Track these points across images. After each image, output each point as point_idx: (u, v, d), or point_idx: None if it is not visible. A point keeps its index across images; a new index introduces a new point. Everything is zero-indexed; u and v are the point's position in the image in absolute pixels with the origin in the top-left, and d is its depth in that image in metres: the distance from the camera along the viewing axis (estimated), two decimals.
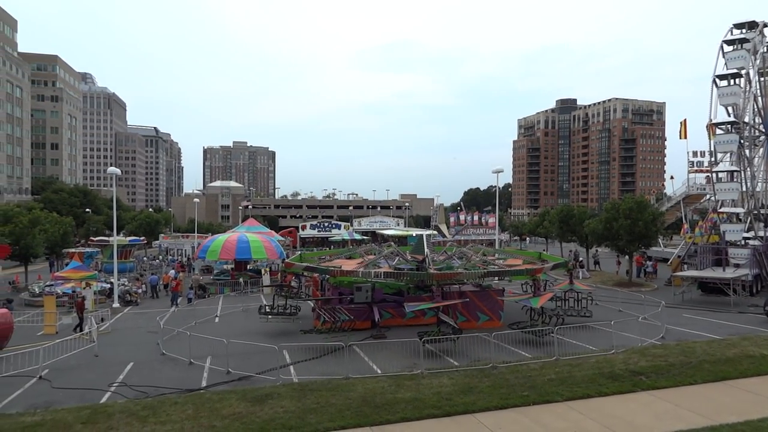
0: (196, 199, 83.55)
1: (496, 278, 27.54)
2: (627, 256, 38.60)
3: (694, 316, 26.22)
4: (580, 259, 45.38)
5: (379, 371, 16.90)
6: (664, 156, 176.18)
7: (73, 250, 46.44)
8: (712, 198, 39.27)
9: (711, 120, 35.45)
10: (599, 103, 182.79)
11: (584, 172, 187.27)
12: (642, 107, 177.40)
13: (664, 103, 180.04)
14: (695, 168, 47.70)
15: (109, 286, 34.66)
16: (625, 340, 19.77)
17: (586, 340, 20.39)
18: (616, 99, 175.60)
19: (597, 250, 50.13)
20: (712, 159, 36.61)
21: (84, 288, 30.83)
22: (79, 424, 12.61)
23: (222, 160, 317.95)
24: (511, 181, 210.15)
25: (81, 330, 23.65)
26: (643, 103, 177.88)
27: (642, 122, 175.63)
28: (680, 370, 16.07)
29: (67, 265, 41.51)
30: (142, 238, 58.39)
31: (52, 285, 34.63)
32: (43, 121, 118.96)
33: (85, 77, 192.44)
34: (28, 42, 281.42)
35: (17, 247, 38.80)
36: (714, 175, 35.98)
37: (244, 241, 39.07)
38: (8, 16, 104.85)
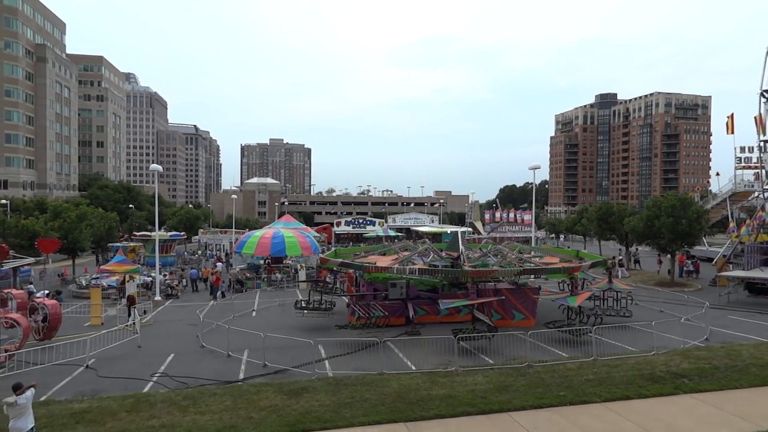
0: (234, 196, 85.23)
1: (532, 276, 27.18)
2: (669, 255, 37.50)
3: (741, 317, 25.27)
4: (620, 257, 44.32)
5: (413, 368, 16.94)
6: (710, 152, 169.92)
7: (118, 244, 48.04)
8: (761, 195, 37.77)
9: (762, 89, 34.77)
10: (641, 97, 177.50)
11: (624, 168, 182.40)
12: (686, 101, 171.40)
13: (710, 96, 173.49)
14: (743, 164, 45.83)
15: (150, 279, 35.71)
16: (666, 342, 19.25)
17: (626, 341, 19.93)
18: (659, 93, 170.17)
19: (637, 249, 48.88)
20: (761, 136, 35.43)
21: (127, 281, 31.86)
22: (123, 412, 13.09)
23: (259, 157, 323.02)
24: (548, 178, 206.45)
25: (131, 320, 24.37)
26: (687, 97, 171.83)
27: (686, 117, 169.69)
28: (725, 373, 15.55)
29: (108, 259, 43.05)
30: (182, 233, 59.88)
31: (98, 278, 35.93)
32: (90, 120, 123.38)
33: (128, 77, 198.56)
34: (75, 43, 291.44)
35: (66, 241, 40.39)
36: (762, 144, 34.88)
37: (246, 236, 40.93)
38: (58, 20, 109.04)
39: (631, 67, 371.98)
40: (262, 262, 43.85)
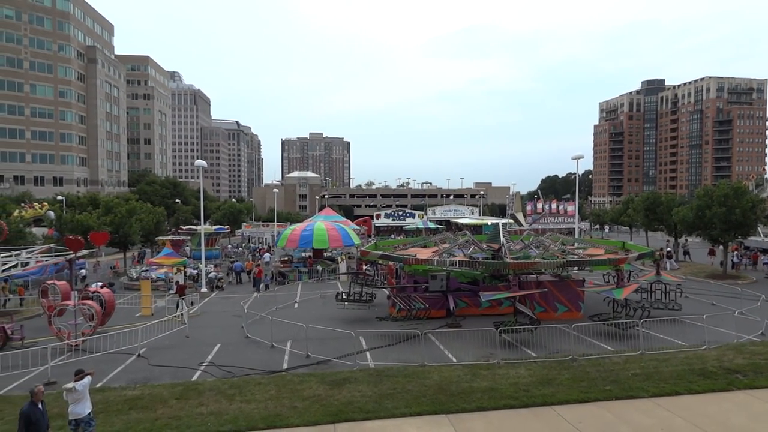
0: (276, 190, 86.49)
1: (576, 268, 26.62)
2: (721, 246, 36.05)
3: None
4: (668, 249, 42.87)
5: (454, 360, 16.89)
6: (765, 138, 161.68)
7: (164, 238, 49.67)
8: None
9: None
10: (690, 82, 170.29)
11: (672, 157, 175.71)
12: (740, 85, 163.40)
13: (766, 80, 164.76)
14: None
15: (196, 271, 36.78)
16: (718, 336, 18.56)
17: (675, 335, 19.29)
18: (710, 77, 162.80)
19: (687, 240, 47.19)
20: None
21: (175, 273, 32.93)
22: (173, 399, 13.58)
23: (299, 151, 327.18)
24: (591, 168, 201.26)
25: (179, 312, 25.18)
26: (741, 81, 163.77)
27: (740, 102, 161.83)
28: None
29: (149, 254, 44.61)
30: (226, 226, 61.33)
31: (147, 270, 37.25)
32: (137, 118, 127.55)
33: (173, 75, 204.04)
34: (122, 44, 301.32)
35: (117, 235, 42.00)
36: None
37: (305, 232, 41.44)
38: (106, 22, 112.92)
39: (680, 51, 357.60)
40: (304, 254, 44.48)
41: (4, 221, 32.92)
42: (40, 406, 9.96)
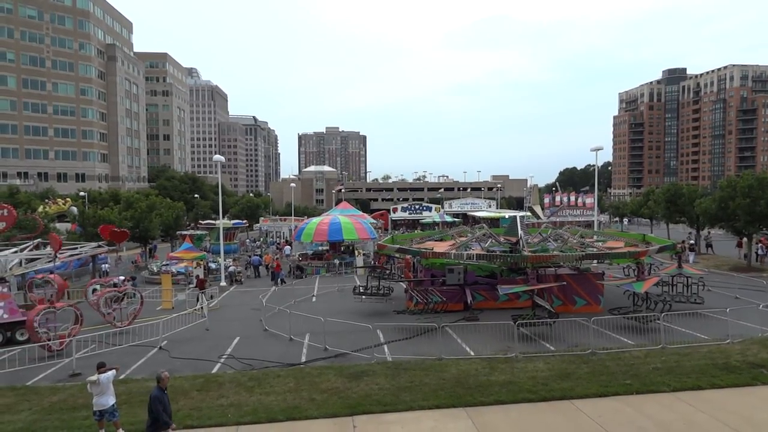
0: (293, 184, 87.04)
1: (595, 261, 26.34)
2: (745, 239, 35.36)
3: None
4: (690, 241, 42.17)
5: (472, 353, 16.84)
6: None
7: (186, 232, 50.26)
8: None
9: None
10: (713, 71, 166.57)
11: (694, 147, 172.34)
12: (765, 73, 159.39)
13: None
14: None
15: (215, 266, 37.14)
16: (742, 330, 18.20)
17: (697, 329, 19.01)
18: (733, 65, 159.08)
19: (709, 232, 46.38)
20: None
21: (195, 267, 33.31)
22: (194, 391, 13.80)
23: (316, 146, 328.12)
24: (610, 160, 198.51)
25: (199, 305, 25.50)
26: (765, 69, 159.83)
27: (764, 90, 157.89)
28: None
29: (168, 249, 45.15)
30: (244, 221, 61.80)
31: (167, 264, 37.74)
32: (156, 115, 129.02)
33: (191, 72, 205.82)
34: (140, 41, 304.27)
35: (137, 230, 42.60)
36: None
37: (304, 224, 42.41)
38: (125, 20, 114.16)
39: (703, 38, 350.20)
40: (321, 248, 44.66)
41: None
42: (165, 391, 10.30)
